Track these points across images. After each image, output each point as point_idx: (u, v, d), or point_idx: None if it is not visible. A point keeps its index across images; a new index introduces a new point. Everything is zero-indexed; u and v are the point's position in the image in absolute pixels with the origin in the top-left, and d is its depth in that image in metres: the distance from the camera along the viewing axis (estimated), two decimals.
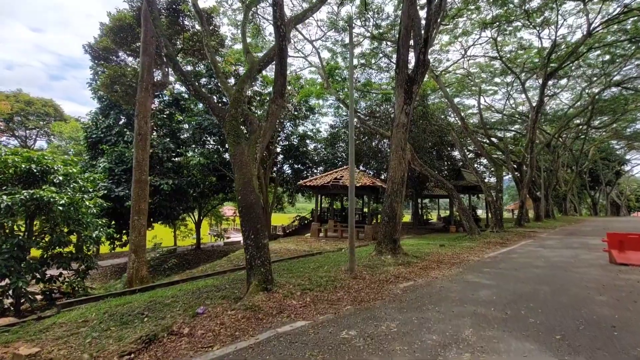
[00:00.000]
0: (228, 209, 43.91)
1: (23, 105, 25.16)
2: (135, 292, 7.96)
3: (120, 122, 21.17)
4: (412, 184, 23.57)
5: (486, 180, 26.22)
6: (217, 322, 4.41)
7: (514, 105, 34.80)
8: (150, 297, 6.56)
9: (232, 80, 23.28)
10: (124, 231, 19.69)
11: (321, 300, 5.33)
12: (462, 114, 31.03)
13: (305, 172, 28.53)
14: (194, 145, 24.02)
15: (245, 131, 7.46)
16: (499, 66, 27.37)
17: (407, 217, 40.04)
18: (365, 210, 21.52)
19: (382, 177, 23.44)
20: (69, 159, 12.71)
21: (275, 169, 29.28)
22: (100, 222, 12.85)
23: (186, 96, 24.16)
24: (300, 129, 29.80)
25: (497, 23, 20.34)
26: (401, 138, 9.04)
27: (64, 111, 28.79)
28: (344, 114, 26.71)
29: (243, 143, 6.74)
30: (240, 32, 9.50)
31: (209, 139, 23.91)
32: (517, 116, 34.99)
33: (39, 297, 11.26)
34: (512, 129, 38.64)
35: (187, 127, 23.08)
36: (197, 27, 16.74)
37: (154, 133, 21.07)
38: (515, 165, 26.13)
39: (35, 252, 11.33)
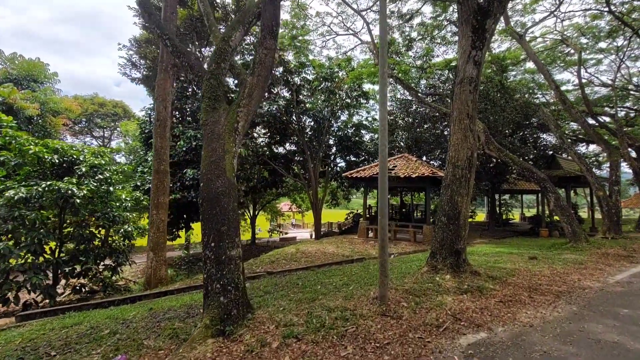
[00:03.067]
0: (285, 205, 43.54)
1: (97, 107, 27.44)
2: (114, 303, 6.55)
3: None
4: (487, 175, 19.35)
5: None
6: None
7: (627, 77, 27.16)
8: (105, 317, 4.96)
9: (278, 73, 21.89)
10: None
11: None
12: (551, 94, 25.04)
13: (361, 165, 25.97)
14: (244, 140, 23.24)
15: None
16: (605, 25, 21.17)
17: (480, 216, 34.53)
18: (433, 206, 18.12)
19: None
20: (99, 149, 12.32)
21: (329, 161, 27.37)
22: (130, 216, 12.26)
23: (235, 88, 23.52)
24: (355, 118, 27.28)
25: None
26: (467, 100, 6.08)
27: (132, 111, 30.83)
28: (400, 96, 23.40)
29: (222, 109, 4.71)
30: None
31: (256, 131, 22.86)
32: (632, 89, 27.22)
33: (62, 292, 10.96)
34: (623, 107, 30.43)
35: None
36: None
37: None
38: (633, 151, 19.85)
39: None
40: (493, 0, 6.01)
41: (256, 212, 31.04)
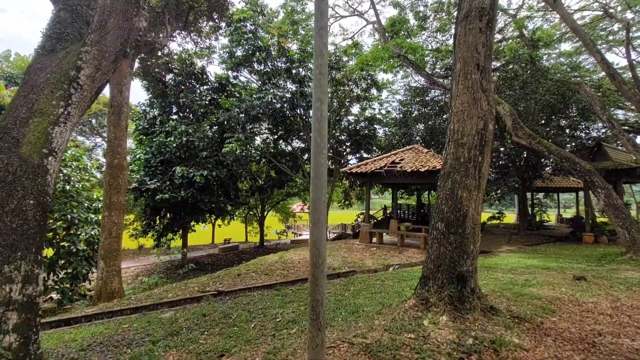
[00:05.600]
0: (298, 205, 41.90)
1: (101, 106, 27.04)
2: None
3: (167, 110, 20.22)
4: (516, 171, 16.64)
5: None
6: None
7: None
8: None
9: (282, 64, 20.23)
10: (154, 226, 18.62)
11: None
12: (591, 78, 21.62)
13: None
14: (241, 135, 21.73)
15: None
16: None
17: (510, 218, 31.02)
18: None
19: None
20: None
21: (338, 158, 25.42)
22: (96, 218, 10.90)
23: (234, 81, 22.12)
24: (368, 112, 25.11)
25: None
26: (477, 42, 3.96)
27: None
28: (414, 83, 20.99)
29: (63, 52, 2.93)
30: None
31: (256, 127, 21.22)
32: None
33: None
34: None
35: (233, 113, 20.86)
36: None
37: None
38: None
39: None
40: None
41: (265, 212, 29.63)
